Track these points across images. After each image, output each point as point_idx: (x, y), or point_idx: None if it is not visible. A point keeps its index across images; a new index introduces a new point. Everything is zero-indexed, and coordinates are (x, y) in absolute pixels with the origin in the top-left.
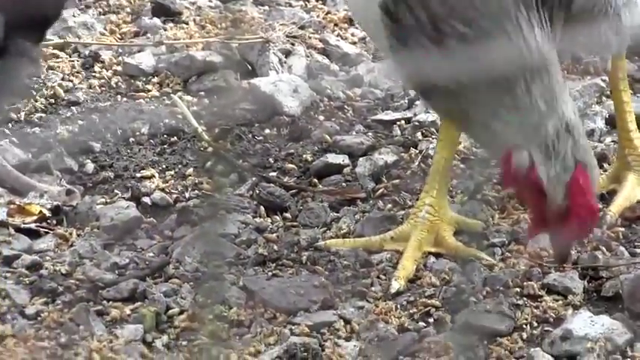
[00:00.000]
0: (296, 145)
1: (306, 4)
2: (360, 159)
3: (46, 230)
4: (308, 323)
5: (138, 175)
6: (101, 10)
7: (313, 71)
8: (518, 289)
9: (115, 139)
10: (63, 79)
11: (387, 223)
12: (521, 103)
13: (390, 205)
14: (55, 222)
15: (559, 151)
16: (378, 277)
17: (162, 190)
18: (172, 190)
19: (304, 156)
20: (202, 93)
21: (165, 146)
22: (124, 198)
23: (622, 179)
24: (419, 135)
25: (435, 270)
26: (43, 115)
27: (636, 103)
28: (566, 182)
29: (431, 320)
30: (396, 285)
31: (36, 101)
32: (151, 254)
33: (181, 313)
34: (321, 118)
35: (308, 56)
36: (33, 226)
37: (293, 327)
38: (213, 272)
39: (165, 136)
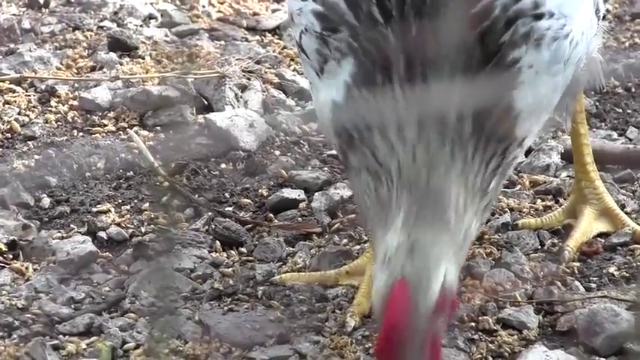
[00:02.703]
0: (252, 180)
1: (262, 39)
2: (316, 194)
3: (2, 265)
4: (264, 358)
5: (94, 209)
6: (57, 45)
7: (269, 106)
8: (473, 324)
9: (72, 174)
10: (19, 113)
11: (343, 258)
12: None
13: (345, 240)
14: (11, 256)
15: (392, 263)
16: (334, 312)
17: (119, 224)
18: (128, 225)
19: (260, 191)
20: (158, 128)
21: (122, 181)
22: (80, 232)
23: (578, 213)
24: None
25: None
26: (0, 149)
27: (592, 137)
28: (385, 292)
29: None
30: (351, 322)
31: None
32: (107, 289)
33: (137, 347)
34: (277, 152)
35: (264, 91)
36: None
37: None
38: (168, 307)
39: (121, 170)
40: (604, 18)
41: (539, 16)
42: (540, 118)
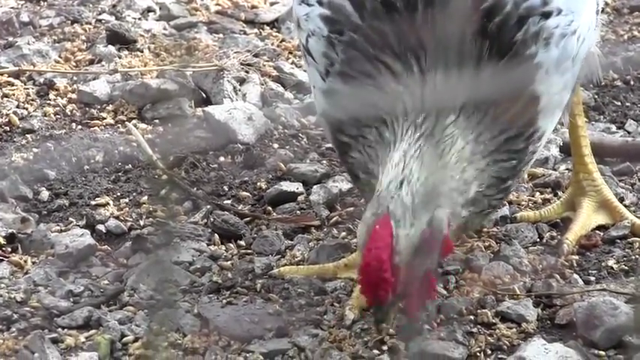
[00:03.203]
0: (250, 173)
1: (260, 32)
2: (315, 187)
3: (1, 258)
4: (262, 351)
5: (93, 202)
6: (56, 38)
7: (268, 99)
8: (472, 317)
9: (70, 167)
10: (18, 106)
11: (341, 251)
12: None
13: (344, 233)
14: (9, 249)
15: (380, 198)
16: (332, 305)
17: (117, 217)
18: (127, 218)
19: (258, 184)
20: (157, 121)
21: (120, 174)
22: (78, 226)
23: (577, 206)
24: None
25: None
26: None
27: (591, 130)
28: (369, 227)
29: (385, 348)
30: (350, 315)
31: None
32: (106, 282)
33: (136, 340)
34: (276, 145)
35: (262, 84)
36: None
37: (247, 355)
38: (167, 300)
39: (119, 164)
40: (602, 11)
41: (548, 14)
42: (554, 115)
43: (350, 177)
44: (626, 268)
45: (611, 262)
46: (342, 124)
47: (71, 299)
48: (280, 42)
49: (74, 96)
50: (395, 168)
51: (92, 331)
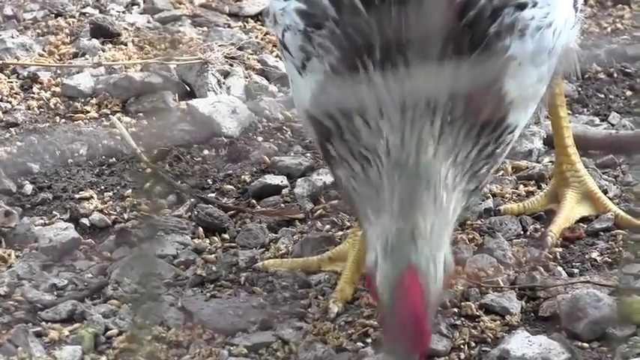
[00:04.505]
0: (234, 166)
1: (244, 25)
2: (299, 180)
3: None
4: (246, 344)
5: (76, 196)
6: (40, 32)
7: (252, 92)
8: (455, 310)
9: (54, 161)
10: (1, 100)
11: (326, 244)
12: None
13: (328, 226)
14: None
15: (394, 249)
16: (317, 298)
17: (101, 211)
18: (111, 211)
19: (243, 177)
20: (141, 114)
21: (104, 167)
22: (62, 219)
23: (560, 198)
24: None
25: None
26: None
27: (574, 123)
28: (393, 282)
29: (369, 340)
30: (334, 308)
31: None
32: (90, 275)
33: (120, 334)
34: (260, 139)
35: (246, 77)
36: None
37: (231, 348)
38: (151, 293)
39: (103, 157)
40: (585, 3)
41: (523, 6)
42: (528, 108)
43: (336, 182)
44: (610, 260)
45: (594, 255)
46: (327, 128)
47: (55, 293)
48: (264, 35)
49: (58, 89)
50: (399, 219)
51: (76, 325)
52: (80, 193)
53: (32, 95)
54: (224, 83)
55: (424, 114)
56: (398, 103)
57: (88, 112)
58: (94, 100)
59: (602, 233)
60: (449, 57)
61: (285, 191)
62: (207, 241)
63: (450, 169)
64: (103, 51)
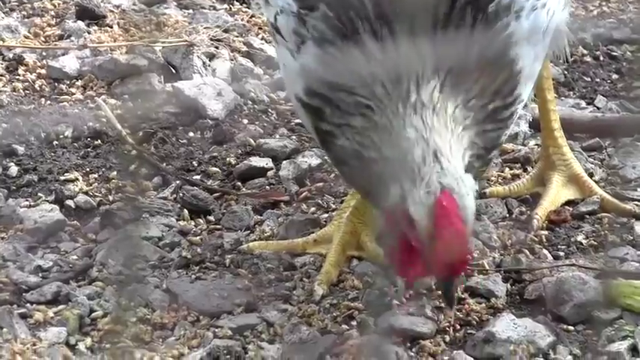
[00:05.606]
0: (220, 149)
1: (230, 8)
2: (284, 162)
3: None
4: (231, 326)
5: (62, 178)
6: (25, 13)
7: (237, 74)
8: (441, 292)
9: (39, 142)
10: None
11: (311, 226)
12: (394, 129)
13: (313, 209)
14: None
15: (423, 175)
16: (302, 280)
17: (86, 193)
18: (96, 193)
19: (228, 159)
20: (126, 96)
21: (89, 149)
22: (47, 201)
23: (546, 181)
24: None
25: (357, 273)
26: None
27: (560, 106)
28: (430, 206)
29: (354, 323)
30: (319, 290)
31: None
32: (75, 257)
33: (105, 315)
34: (245, 121)
35: (232, 59)
36: None
37: (216, 330)
38: (136, 275)
39: (89, 139)
40: None
41: None
42: (528, 86)
43: (333, 162)
44: (595, 243)
45: (580, 238)
46: (322, 112)
47: (40, 274)
48: (250, 17)
49: (43, 71)
50: (418, 144)
51: (61, 307)
52: (65, 174)
53: (17, 77)
54: (209, 66)
55: (430, 77)
56: (400, 76)
57: (73, 94)
58: (79, 82)
59: (587, 216)
60: (452, 29)
61: (270, 174)
62: (193, 223)
63: (458, 107)
64: (89, 33)
